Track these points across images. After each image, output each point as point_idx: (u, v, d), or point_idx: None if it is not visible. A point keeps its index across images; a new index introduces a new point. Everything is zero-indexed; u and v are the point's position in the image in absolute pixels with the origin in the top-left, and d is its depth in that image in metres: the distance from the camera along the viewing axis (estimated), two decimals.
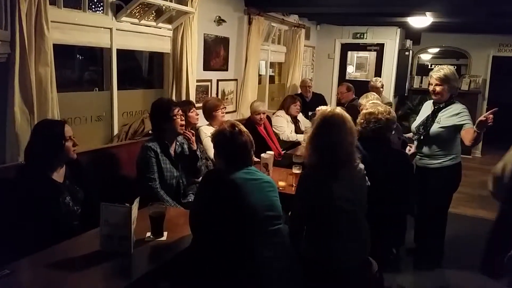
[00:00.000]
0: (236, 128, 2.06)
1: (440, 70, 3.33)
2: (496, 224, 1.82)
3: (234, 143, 2.04)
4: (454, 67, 8.49)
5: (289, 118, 5.17)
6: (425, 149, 3.42)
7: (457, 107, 3.30)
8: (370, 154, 2.62)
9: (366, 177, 2.34)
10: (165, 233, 2.19)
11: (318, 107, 5.89)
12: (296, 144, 4.90)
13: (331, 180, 2.15)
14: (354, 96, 5.83)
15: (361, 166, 2.30)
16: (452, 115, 3.28)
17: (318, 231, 2.20)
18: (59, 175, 2.32)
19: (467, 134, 3.16)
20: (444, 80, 3.29)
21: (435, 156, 3.37)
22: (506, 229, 1.72)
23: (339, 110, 2.27)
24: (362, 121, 2.82)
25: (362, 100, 4.14)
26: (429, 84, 3.42)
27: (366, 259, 2.39)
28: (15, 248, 1.97)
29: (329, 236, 2.18)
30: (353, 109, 3.78)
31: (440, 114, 3.33)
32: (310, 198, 2.16)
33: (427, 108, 3.53)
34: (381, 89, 5.73)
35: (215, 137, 2.10)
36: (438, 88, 3.31)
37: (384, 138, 2.82)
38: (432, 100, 3.46)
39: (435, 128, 3.33)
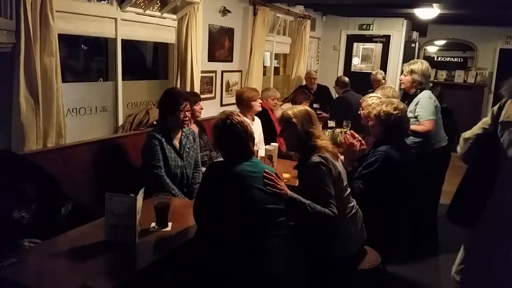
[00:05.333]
0: (229, 120, 2.04)
1: (411, 64, 3.62)
2: (464, 179, 2.06)
3: (228, 135, 2.04)
4: (461, 59, 8.35)
5: None
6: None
7: (419, 96, 3.50)
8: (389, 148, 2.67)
9: None
10: (170, 224, 2.19)
11: (323, 99, 5.91)
12: None
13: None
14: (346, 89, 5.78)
15: None
16: (413, 106, 3.48)
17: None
18: None
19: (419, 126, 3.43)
20: (408, 71, 3.60)
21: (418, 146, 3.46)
22: (472, 183, 1.98)
23: None
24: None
25: (379, 92, 4.18)
26: None
27: (364, 248, 2.44)
28: None
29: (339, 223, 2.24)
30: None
31: (409, 106, 3.51)
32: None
33: None
34: (383, 81, 5.68)
35: (212, 130, 2.11)
36: (403, 78, 3.65)
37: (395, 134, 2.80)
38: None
39: None
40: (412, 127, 3.41)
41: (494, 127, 1.94)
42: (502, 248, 1.95)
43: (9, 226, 2.06)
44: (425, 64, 3.61)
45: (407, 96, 3.71)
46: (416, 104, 3.46)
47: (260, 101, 3.98)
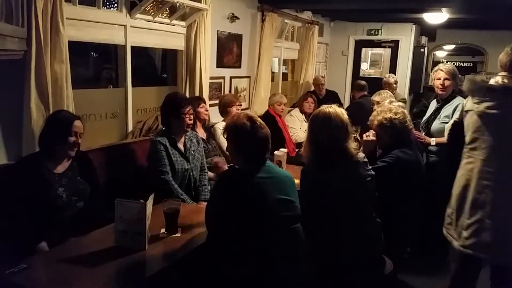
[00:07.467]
0: (257, 122, 1.98)
1: (448, 65, 3.47)
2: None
3: (255, 138, 1.96)
4: (470, 64, 8.28)
5: (303, 117, 5.09)
6: (431, 146, 3.45)
7: (456, 102, 3.36)
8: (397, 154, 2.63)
9: (370, 169, 2.33)
10: (180, 230, 2.19)
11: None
12: None
13: (325, 175, 2.18)
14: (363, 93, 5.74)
15: (361, 155, 2.30)
16: (451, 111, 3.35)
17: (321, 227, 2.21)
18: (62, 166, 2.35)
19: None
20: (453, 75, 3.41)
21: (440, 153, 3.38)
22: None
23: (331, 108, 2.27)
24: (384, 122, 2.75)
25: (375, 97, 4.11)
26: (437, 79, 3.48)
27: (378, 257, 2.38)
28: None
29: (332, 231, 2.20)
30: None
31: (442, 110, 3.43)
32: (309, 193, 2.19)
33: (433, 105, 3.65)
34: (394, 85, 5.65)
35: (232, 131, 1.99)
36: (447, 83, 3.42)
37: (404, 138, 2.77)
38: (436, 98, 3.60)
39: (435, 124, 3.44)
40: (439, 140, 3.36)
41: (461, 116, 2.39)
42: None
43: (50, 199, 2.22)
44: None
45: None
46: (454, 110, 3.34)
47: (238, 108, 3.86)
